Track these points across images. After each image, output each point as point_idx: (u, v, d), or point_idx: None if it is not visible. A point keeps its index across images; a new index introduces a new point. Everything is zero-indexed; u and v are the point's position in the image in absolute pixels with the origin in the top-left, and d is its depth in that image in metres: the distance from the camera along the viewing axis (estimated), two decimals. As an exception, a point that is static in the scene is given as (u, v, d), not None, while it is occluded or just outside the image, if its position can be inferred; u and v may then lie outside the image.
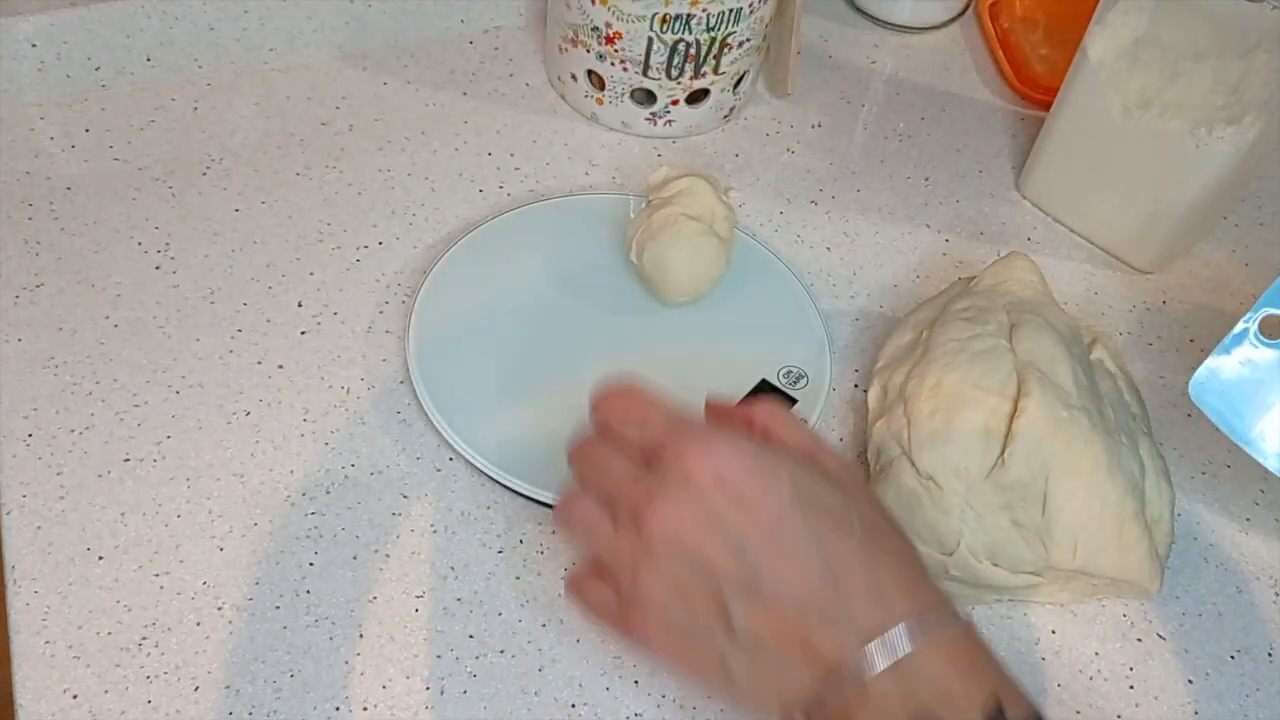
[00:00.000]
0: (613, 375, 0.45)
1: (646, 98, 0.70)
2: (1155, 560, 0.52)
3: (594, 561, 0.43)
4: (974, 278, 0.60)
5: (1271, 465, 0.48)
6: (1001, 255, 0.61)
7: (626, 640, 0.42)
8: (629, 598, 0.40)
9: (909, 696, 0.36)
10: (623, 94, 0.70)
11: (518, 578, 0.52)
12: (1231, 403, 0.48)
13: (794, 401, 0.57)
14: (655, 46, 0.67)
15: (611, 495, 0.42)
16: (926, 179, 0.73)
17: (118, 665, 0.48)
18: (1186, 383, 0.64)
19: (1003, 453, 0.51)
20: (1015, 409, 0.51)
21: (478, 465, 0.54)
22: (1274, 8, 0.57)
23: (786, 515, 0.38)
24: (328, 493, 0.54)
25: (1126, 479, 0.51)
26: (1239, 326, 0.47)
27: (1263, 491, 0.59)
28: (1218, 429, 0.48)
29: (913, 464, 0.52)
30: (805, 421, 0.43)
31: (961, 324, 0.55)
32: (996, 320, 0.55)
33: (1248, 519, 0.58)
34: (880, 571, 0.39)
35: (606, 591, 0.42)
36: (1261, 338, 0.47)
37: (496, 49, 0.77)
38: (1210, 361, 0.48)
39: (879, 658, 0.36)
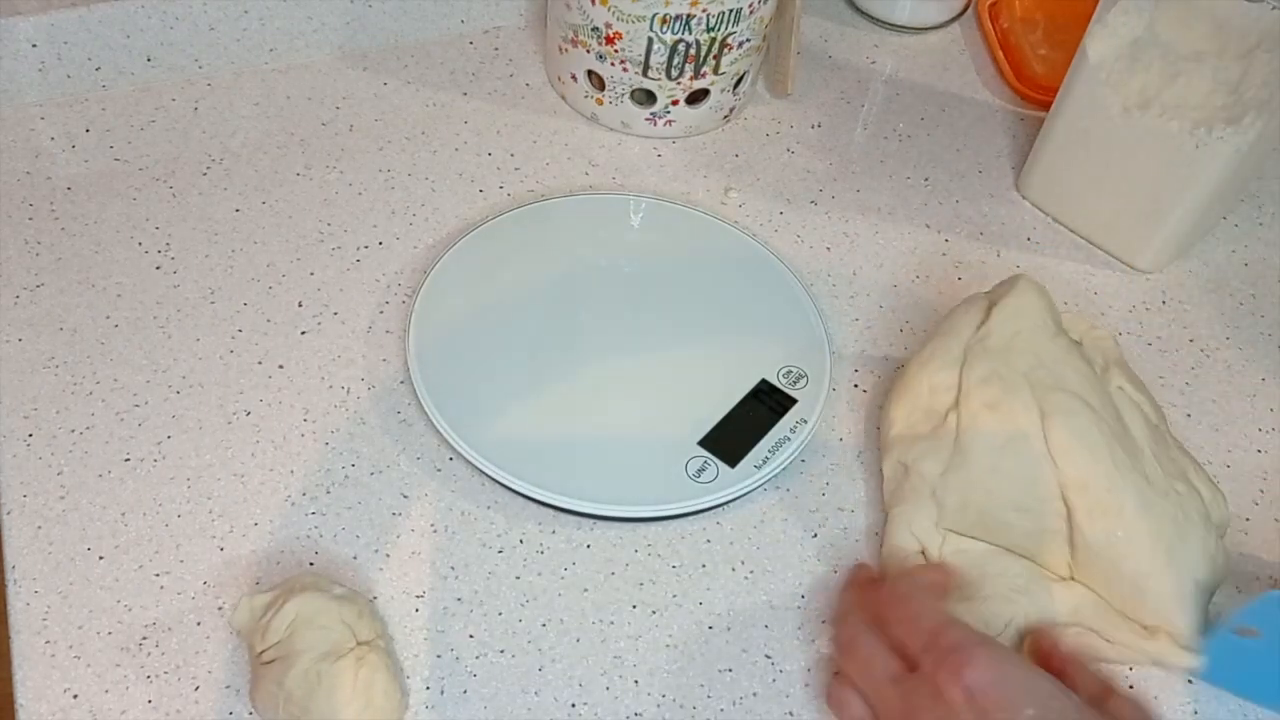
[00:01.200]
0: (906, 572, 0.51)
1: (646, 98, 0.71)
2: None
3: None
4: (985, 309, 0.56)
5: None
6: (1005, 281, 0.58)
7: None
8: None
9: None
10: (623, 94, 0.70)
11: (518, 578, 0.52)
12: (1241, 677, 0.51)
13: (794, 401, 0.57)
14: (655, 47, 0.67)
15: (868, 685, 0.45)
16: (926, 179, 0.73)
17: (118, 665, 0.48)
18: (1186, 383, 0.64)
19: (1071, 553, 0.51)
20: (1071, 525, 0.51)
21: (478, 465, 0.54)
22: (1274, 8, 0.57)
23: None
24: (328, 493, 0.54)
25: (1195, 551, 0.51)
26: (1214, 637, 0.50)
27: (1262, 492, 0.59)
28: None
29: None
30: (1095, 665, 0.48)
31: (989, 418, 0.52)
32: (1024, 406, 0.52)
33: (1247, 519, 0.58)
34: None
35: None
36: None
37: (496, 49, 0.77)
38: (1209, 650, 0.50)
39: None
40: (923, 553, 0.53)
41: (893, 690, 0.44)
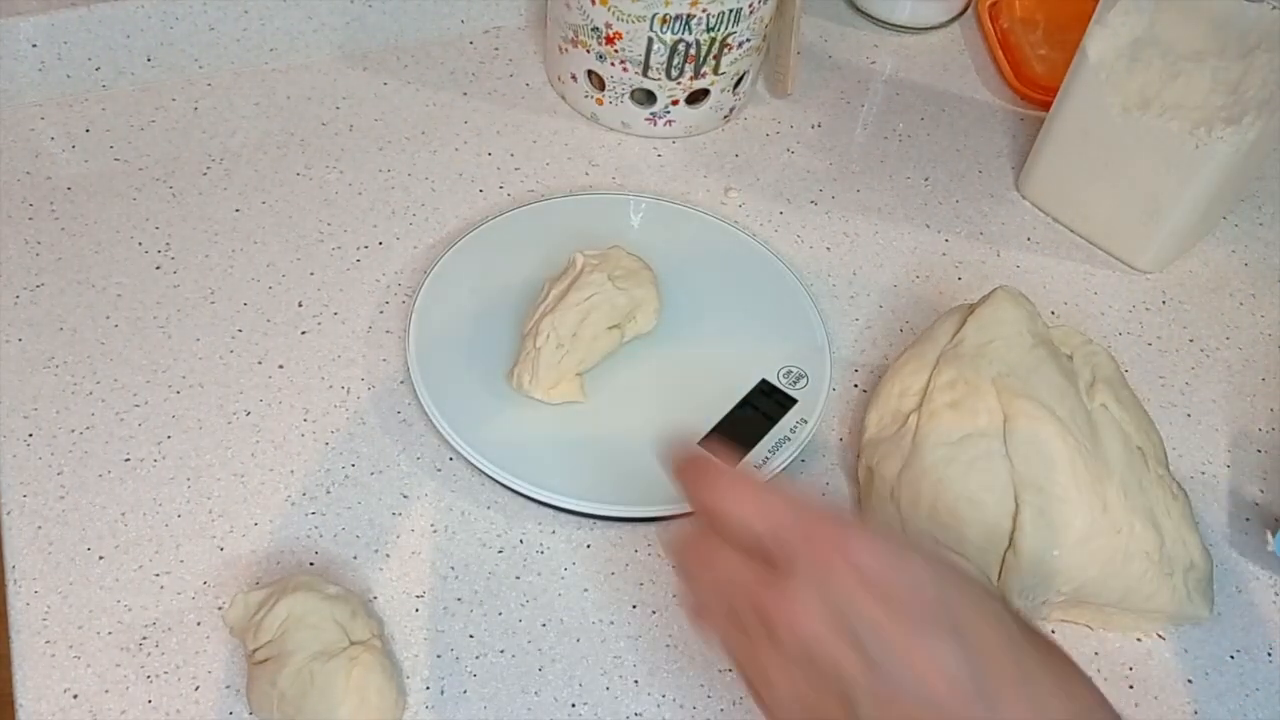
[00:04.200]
0: (678, 444, 0.41)
1: (646, 98, 0.71)
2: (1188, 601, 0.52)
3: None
4: (962, 319, 0.56)
5: None
6: (986, 294, 0.56)
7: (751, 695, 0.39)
8: (763, 690, 0.37)
9: None
10: (623, 94, 0.70)
11: (518, 578, 0.52)
12: None
13: (794, 401, 0.57)
14: (655, 47, 0.67)
15: (731, 596, 0.38)
16: (926, 179, 0.73)
17: (118, 665, 0.48)
18: (1185, 383, 0.64)
19: (1003, 562, 0.51)
20: (1014, 525, 0.50)
21: (478, 465, 0.54)
22: (1274, 8, 0.57)
23: (929, 610, 0.34)
24: (328, 493, 0.54)
25: (1140, 572, 0.50)
26: None
27: (1262, 492, 0.59)
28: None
29: None
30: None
31: (949, 416, 0.52)
32: (986, 408, 0.51)
33: (1247, 519, 0.58)
34: (1031, 667, 0.34)
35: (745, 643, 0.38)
36: None
37: (496, 49, 0.77)
38: None
39: None
40: None
41: (759, 591, 0.36)
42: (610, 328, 0.56)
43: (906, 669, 0.34)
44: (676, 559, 0.40)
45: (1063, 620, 0.53)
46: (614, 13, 0.65)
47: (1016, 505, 0.50)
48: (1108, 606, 0.52)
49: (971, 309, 0.56)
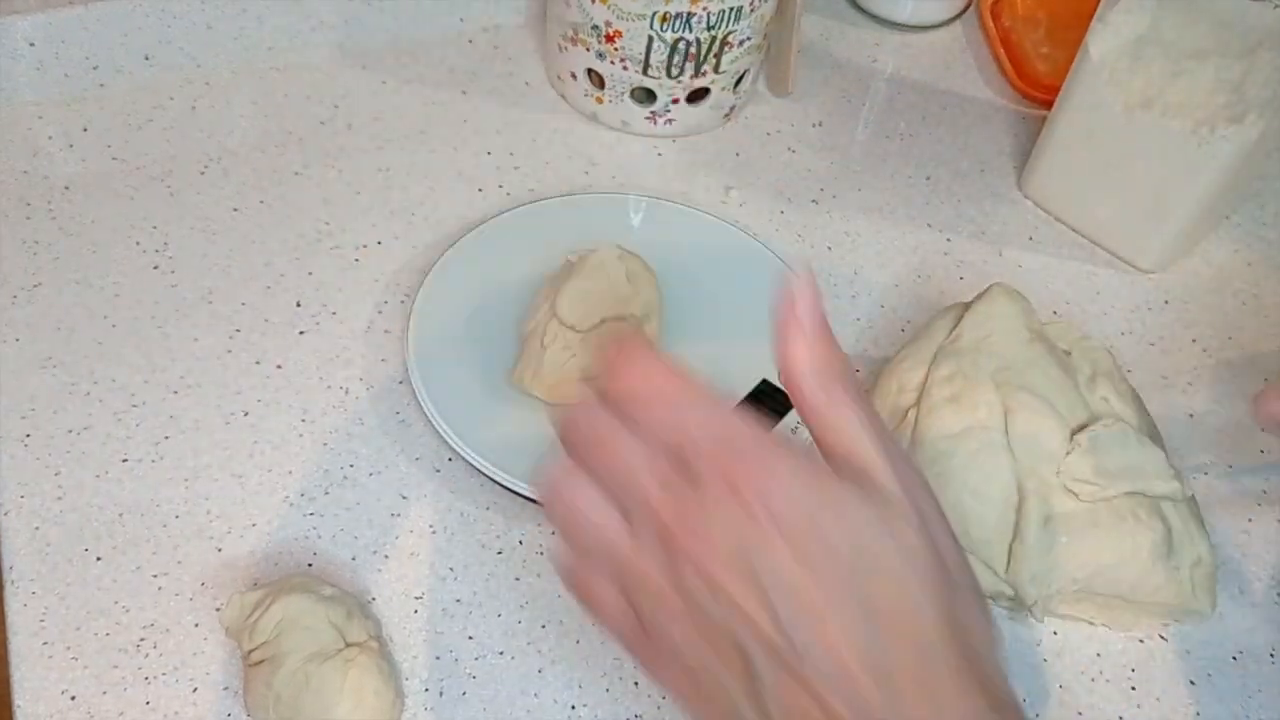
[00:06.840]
0: (621, 338, 0.35)
1: (646, 96, 0.70)
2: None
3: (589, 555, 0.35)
4: (959, 316, 0.56)
5: None
6: (982, 291, 0.56)
7: (638, 665, 0.35)
8: (649, 626, 0.33)
9: None
10: (623, 93, 0.70)
11: (517, 578, 0.52)
12: None
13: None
14: (655, 45, 0.66)
15: (624, 493, 0.33)
16: (928, 178, 0.73)
17: (116, 666, 0.48)
18: (1188, 383, 0.64)
19: (1010, 553, 0.50)
20: (1019, 515, 0.50)
21: (477, 465, 0.53)
22: (1276, 6, 0.57)
23: (844, 581, 0.30)
24: (326, 493, 0.54)
25: (1150, 561, 0.50)
26: None
27: (1264, 491, 0.59)
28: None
29: None
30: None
31: (949, 410, 0.52)
32: (985, 402, 0.52)
33: (1249, 519, 0.58)
34: (937, 664, 0.30)
35: (621, 602, 0.34)
36: None
37: (496, 48, 0.77)
38: None
39: None
40: None
41: (660, 495, 0.32)
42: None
43: (819, 638, 0.30)
44: (568, 435, 0.35)
45: (1066, 616, 0.53)
46: (614, 11, 0.65)
47: (1020, 496, 0.50)
48: (1115, 599, 0.51)
49: (967, 306, 0.56)
